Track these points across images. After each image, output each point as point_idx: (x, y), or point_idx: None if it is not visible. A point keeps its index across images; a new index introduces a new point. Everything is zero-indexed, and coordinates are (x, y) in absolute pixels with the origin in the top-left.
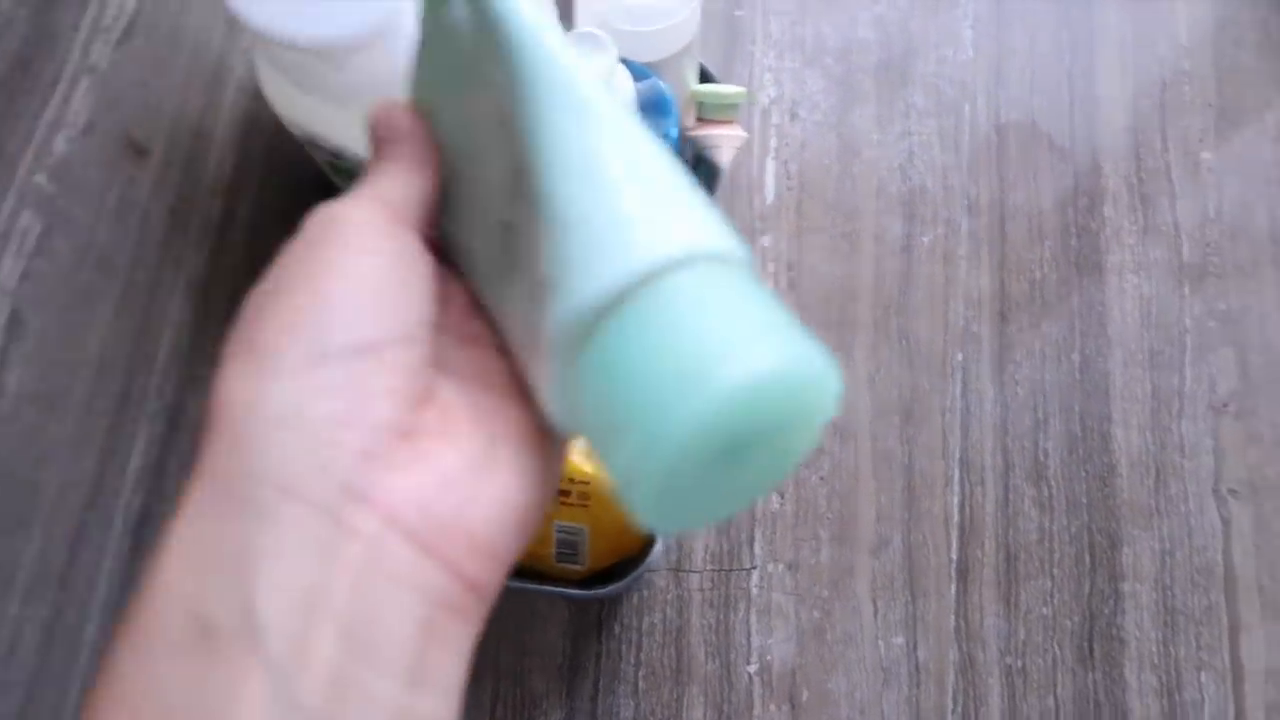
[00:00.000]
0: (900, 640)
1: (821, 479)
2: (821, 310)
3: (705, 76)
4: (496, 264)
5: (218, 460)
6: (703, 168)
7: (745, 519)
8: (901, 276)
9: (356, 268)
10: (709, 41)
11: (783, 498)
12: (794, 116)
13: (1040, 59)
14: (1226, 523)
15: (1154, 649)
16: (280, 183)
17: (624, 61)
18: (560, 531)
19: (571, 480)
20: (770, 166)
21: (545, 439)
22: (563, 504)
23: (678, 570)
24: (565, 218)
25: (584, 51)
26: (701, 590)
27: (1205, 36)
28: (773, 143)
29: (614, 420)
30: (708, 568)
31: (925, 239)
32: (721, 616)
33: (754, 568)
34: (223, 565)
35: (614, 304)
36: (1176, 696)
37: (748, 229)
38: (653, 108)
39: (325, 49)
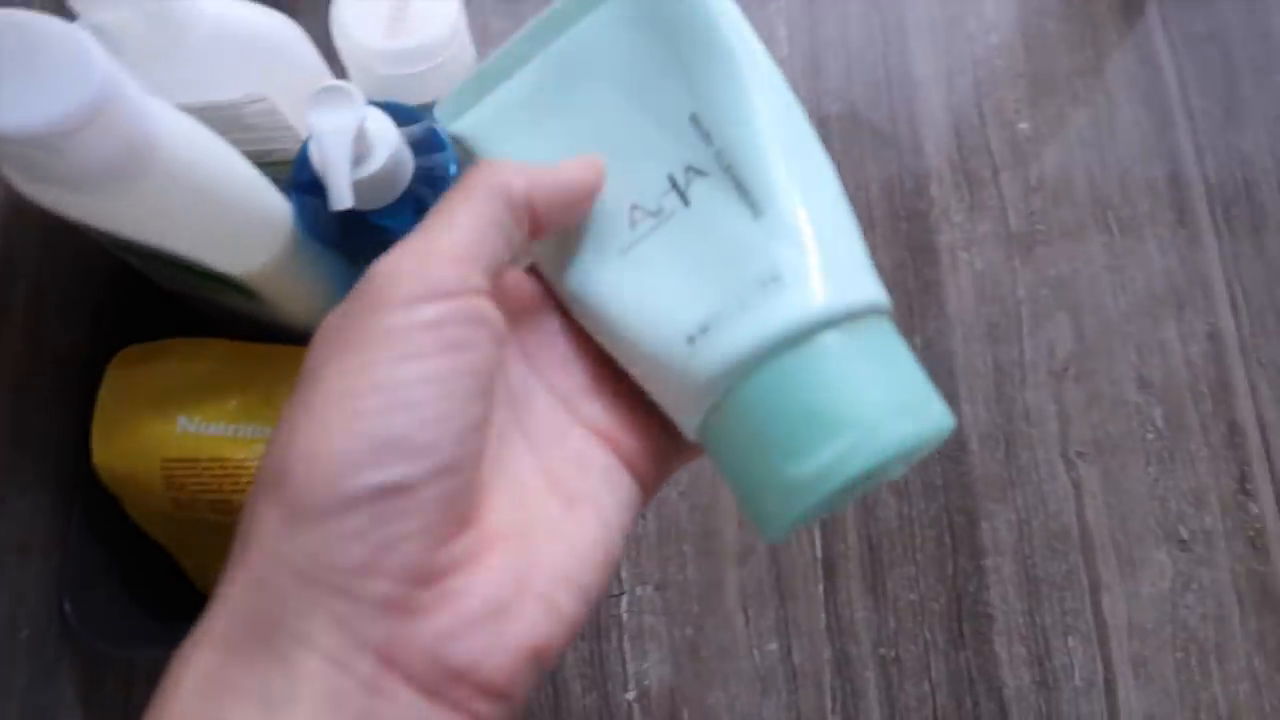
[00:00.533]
0: (774, 646)
1: (681, 494)
2: None
3: None
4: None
5: (240, 595)
6: None
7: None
8: None
9: (393, 378)
10: None
11: (645, 518)
12: None
13: (855, 48)
14: (1077, 485)
15: (1020, 620)
16: (62, 264)
17: (393, 105)
18: None
19: None
20: None
21: (622, 511)
22: None
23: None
24: (797, 230)
25: (332, 107)
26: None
27: (1010, 8)
28: None
29: (787, 443)
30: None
31: None
32: (594, 647)
33: (622, 593)
34: (237, 705)
35: (834, 324)
36: (1047, 663)
37: None
38: (427, 147)
39: (33, 138)
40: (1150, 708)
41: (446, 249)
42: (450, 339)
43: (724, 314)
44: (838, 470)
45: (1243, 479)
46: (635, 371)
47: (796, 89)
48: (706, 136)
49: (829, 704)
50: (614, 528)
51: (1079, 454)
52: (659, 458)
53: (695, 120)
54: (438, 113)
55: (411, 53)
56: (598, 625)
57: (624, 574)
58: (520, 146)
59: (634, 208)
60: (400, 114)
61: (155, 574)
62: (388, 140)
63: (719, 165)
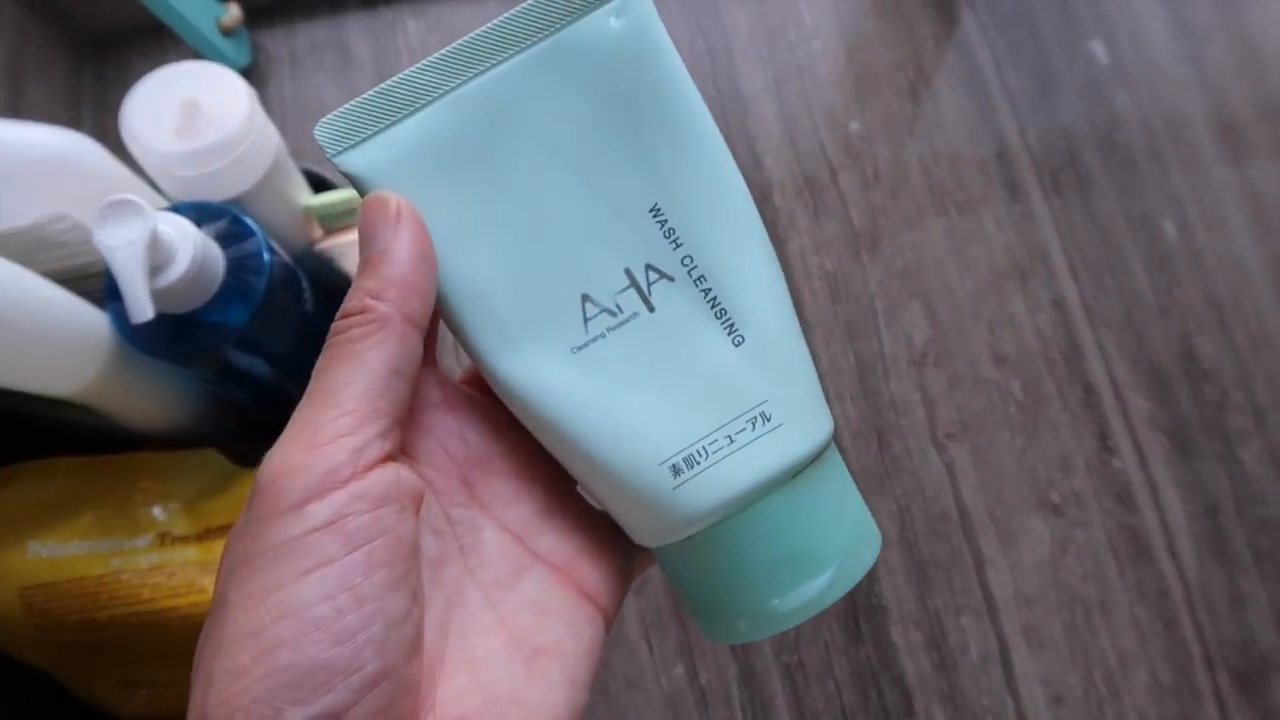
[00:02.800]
0: (680, 670)
1: None
2: None
3: (325, 184)
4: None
5: None
6: (329, 281)
7: None
8: None
9: (297, 600)
10: None
11: None
12: None
13: None
14: (950, 467)
15: (913, 606)
16: None
17: (197, 205)
18: None
19: None
20: None
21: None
22: None
23: None
24: (782, 363)
25: (119, 221)
26: None
27: (827, 13)
28: None
29: (771, 577)
30: None
31: None
32: None
33: None
34: None
35: (813, 458)
36: (943, 645)
37: None
38: (236, 239)
39: None
40: (1046, 672)
41: (334, 426)
42: (352, 535)
43: (712, 449)
44: (819, 603)
45: (1103, 437)
46: (596, 486)
47: None
48: (672, 235)
49: (740, 718)
50: (580, 681)
51: (948, 436)
52: (619, 581)
53: (657, 212)
54: (318, 135)
55: (206, 151)
56: None
57: None
58: (435, 200)
59: (586, 299)
60: (205, 212)
61: (37, 692)
62: (188, 243)
63: (687, 273)
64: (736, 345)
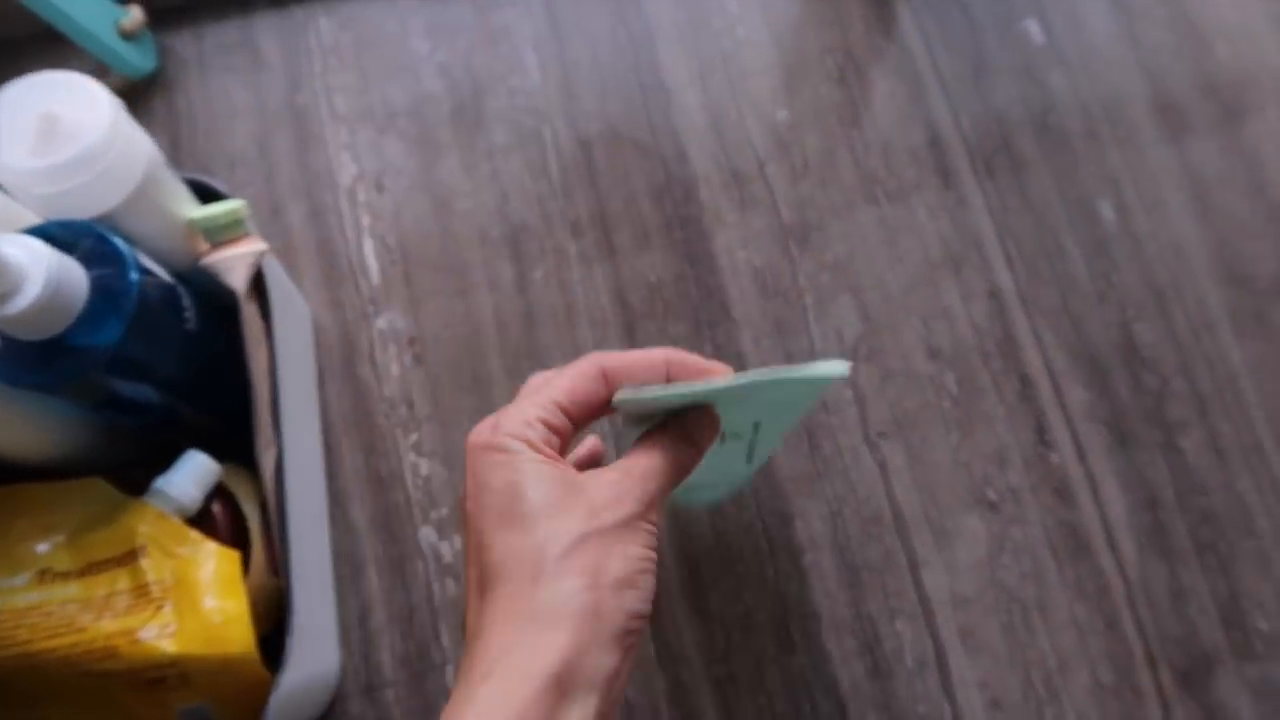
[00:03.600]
0: None
1: None
2: (455, 378)
3: (210, 194)
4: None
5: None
6: (217, 297)
7: (425, 610)
8: (524, 318)
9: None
10: (278, 139)
11: (458, 580)
12: (380, 189)
13: (605, 65)
14: (883, 466)
15: (846, 612)
16: None
17: (58, 224)
18: (184, 717)
19: (160, 667)
20: (368, 246)
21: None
22: (169, 692)
23: (369, 690)
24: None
25: None
26: (399, 702)
27: (751, 1)
28: (365, 221)
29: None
30: (400, 677)
31: (538, 274)
32: None
33: (446, 663)
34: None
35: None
36: (878, 651)
37: (359, 316)
38: (99, 259)
39: None
40: (983, 675)
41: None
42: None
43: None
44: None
45: (1040, 430)
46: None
47: (551, 116)
48: (756, 429)
49: None
50: None
51: (880, 434)
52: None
53: (757, 426)
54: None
55: (65, 167)
56: (425, 699)
57: (445, 641)
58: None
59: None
60: (69, 230)
61: None
62: (40, 266)
63: (749, 440)
64: (747, 462)
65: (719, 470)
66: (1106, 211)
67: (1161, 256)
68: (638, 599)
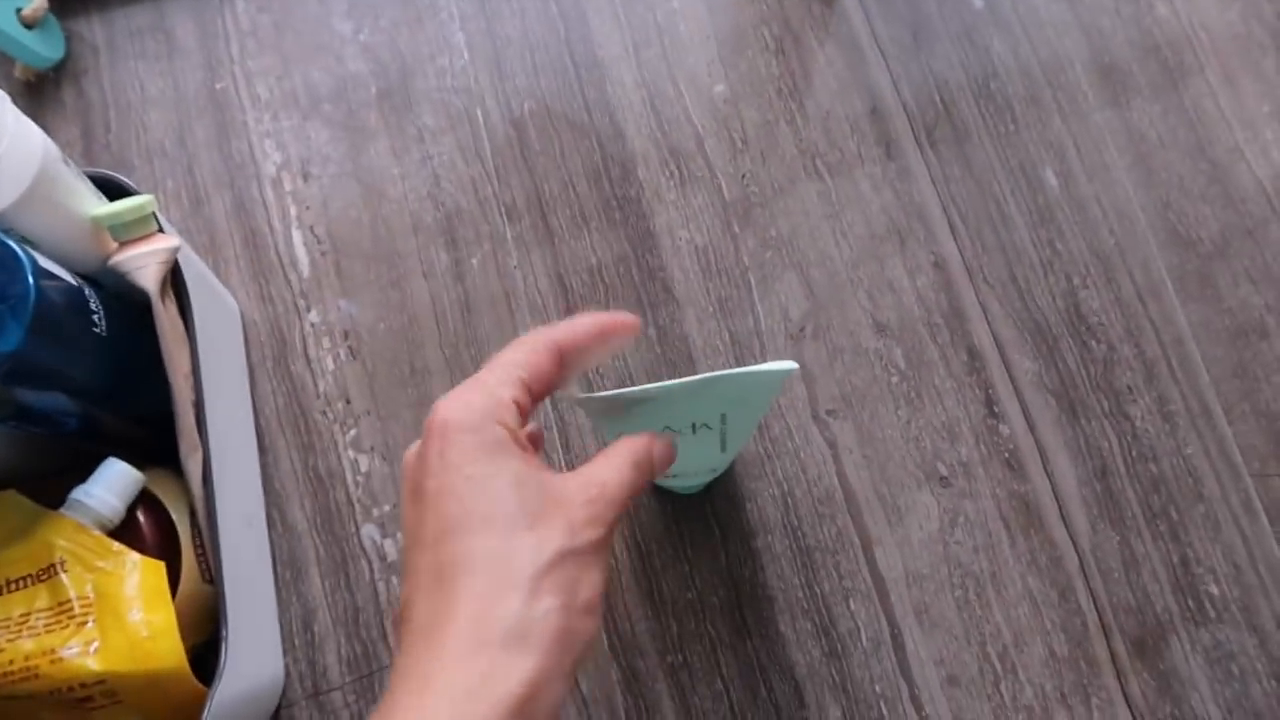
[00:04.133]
0: None
1: None
2: (392, 370)
3: (120, 190)
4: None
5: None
6: (131, 298)
7: (371, 610)
8: (461, 306)
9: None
10: (197, 128)
11: (399, 577)
12: (307, 176)
13: (536, 40)
14: (832, 445)
15: (800, 594)
16: None
17: None
18: None
19: (85, 686)
20: (296, 237)
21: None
22: (96, 711)
23: (316, 694)
24: (732, 456)
25: None
26: (348, 706)
27: None
28: (292, 210)
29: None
30: (346, 679)
31: (474, 260)
32: None
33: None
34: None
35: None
36: (833, 632)
37: (290, 310)
38: None
39: None
40: (939, 652)
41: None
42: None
43: (687, 473)
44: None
45: (989, 402)
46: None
47: (482, 96)
48: (723, 419)
49: None
50: None
51: (829, 412)
52: None
53: (724, 417)
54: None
55: None
56: (374, 701)
57: (393, 641)
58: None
59: (666, 427)
60: None
61: None
62: None
63: (719, 430)
64: (722, 451)
65: (697, 459)
66: (1050, 178)
67: (1106, 221)
68: (596, 626)
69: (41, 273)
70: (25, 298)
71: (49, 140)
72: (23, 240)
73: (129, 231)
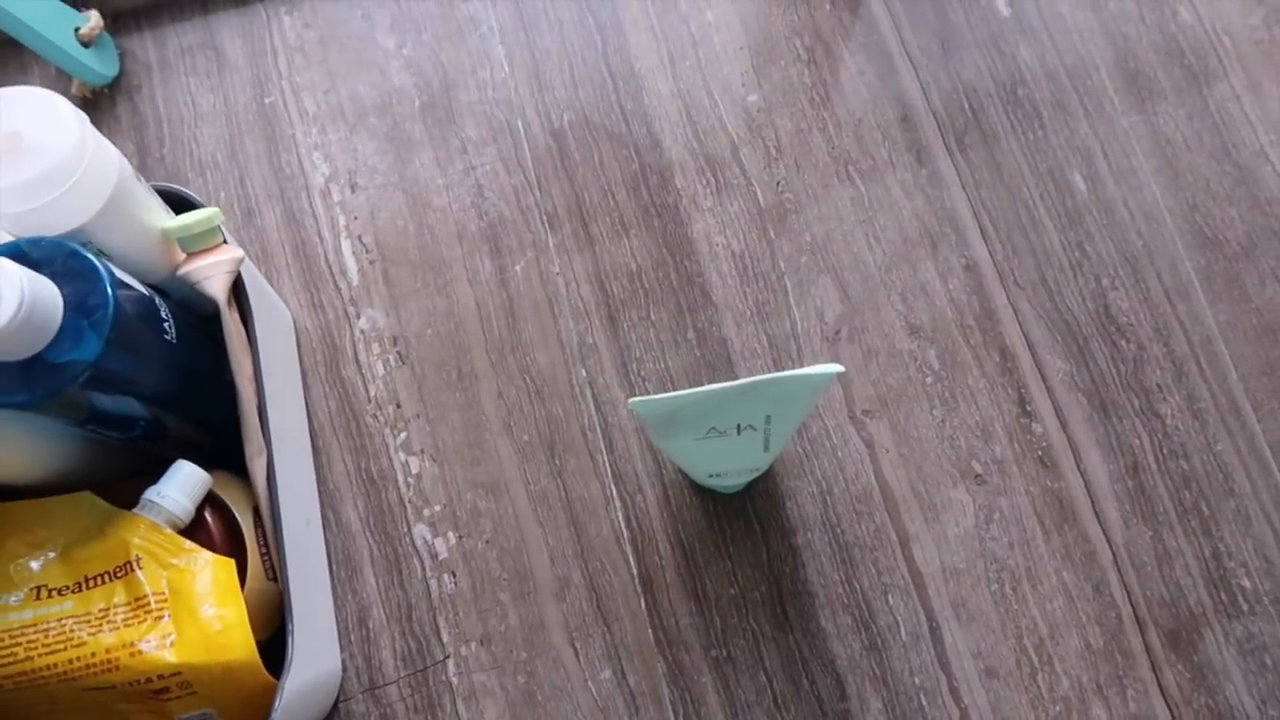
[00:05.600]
0: (608, 674)
1: (488, 542)
2: (440, 374)
3: (183, 203)
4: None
5: None
6: (197, 306)
7: (424, 607)
8: (506, 312)
9: None
10: (248, 141)
11: (454, 575)
12: (354, 187)
13: (574, 53)
14: (869, 444)
15: (840, 589)
16: None
17: (29, 242)
18: None
19: (162, 678)
20: (346, 246)
21: None
22: (171, 701)
23: (373, 689)
24: (774, 456)
25: None
26: (403, 699)
27: None
28: (341, 221)
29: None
30: (401, 674)
31: (518, 267)
32: (430, 718)
33: (447, 657)
34: None
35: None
36: (873, 626)
37: (340, 317)
38: (74, 275)
39: None
40: (976, 644)
41: None
42: None
43: (730, 473)
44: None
45: (1022, 401)
46: (691, 471)
47: (523, 107)
48: (768, 420)
49: (671, 717)
50: None
51: (865, 413)
52: None
53: (768, 418)
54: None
55: (34, 184)
56: (429, 694)
57: (445, 636)
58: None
59: (712, 429)
60: (40, 248)
61: None
62: (13, 286)
63: (763, 431)
64: (765, 450)
65: (740, 459)
66: (1078, 181)
67: (1134, 223)
68: None
69: (118, 284)
70: (105, 309)
71: (123, 157)
72: (99, 253)
73: (197, 243)
